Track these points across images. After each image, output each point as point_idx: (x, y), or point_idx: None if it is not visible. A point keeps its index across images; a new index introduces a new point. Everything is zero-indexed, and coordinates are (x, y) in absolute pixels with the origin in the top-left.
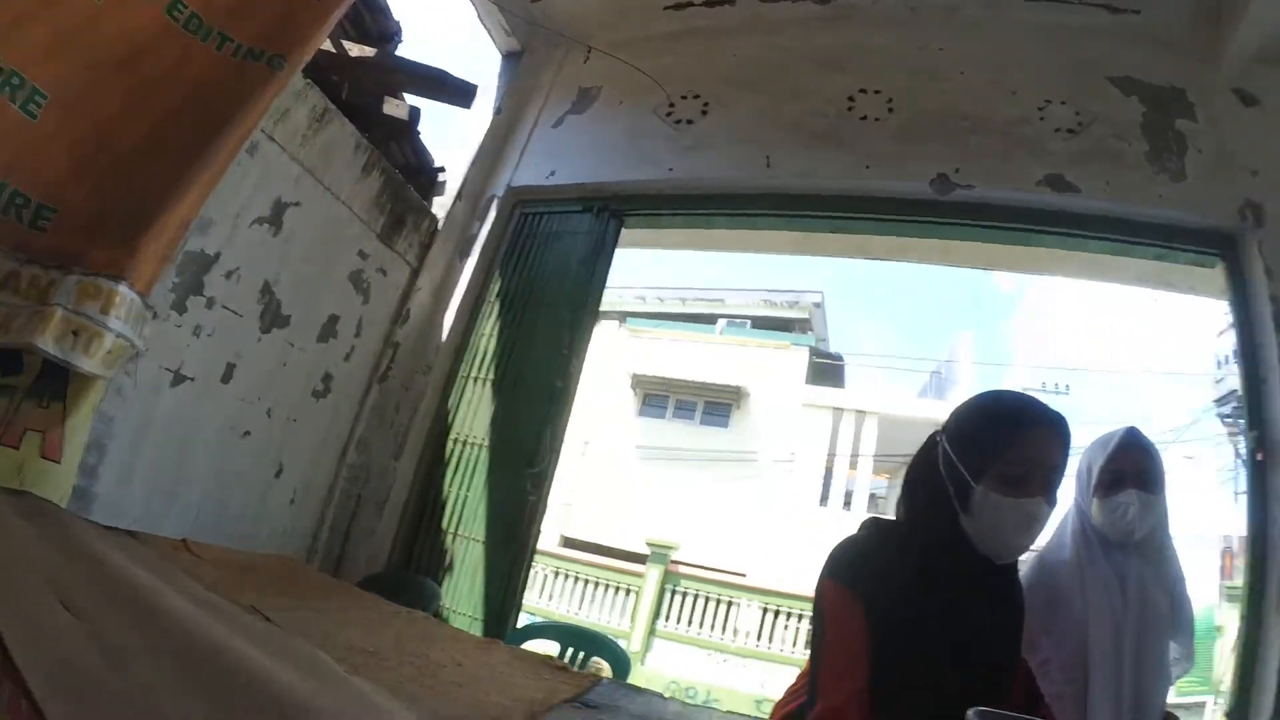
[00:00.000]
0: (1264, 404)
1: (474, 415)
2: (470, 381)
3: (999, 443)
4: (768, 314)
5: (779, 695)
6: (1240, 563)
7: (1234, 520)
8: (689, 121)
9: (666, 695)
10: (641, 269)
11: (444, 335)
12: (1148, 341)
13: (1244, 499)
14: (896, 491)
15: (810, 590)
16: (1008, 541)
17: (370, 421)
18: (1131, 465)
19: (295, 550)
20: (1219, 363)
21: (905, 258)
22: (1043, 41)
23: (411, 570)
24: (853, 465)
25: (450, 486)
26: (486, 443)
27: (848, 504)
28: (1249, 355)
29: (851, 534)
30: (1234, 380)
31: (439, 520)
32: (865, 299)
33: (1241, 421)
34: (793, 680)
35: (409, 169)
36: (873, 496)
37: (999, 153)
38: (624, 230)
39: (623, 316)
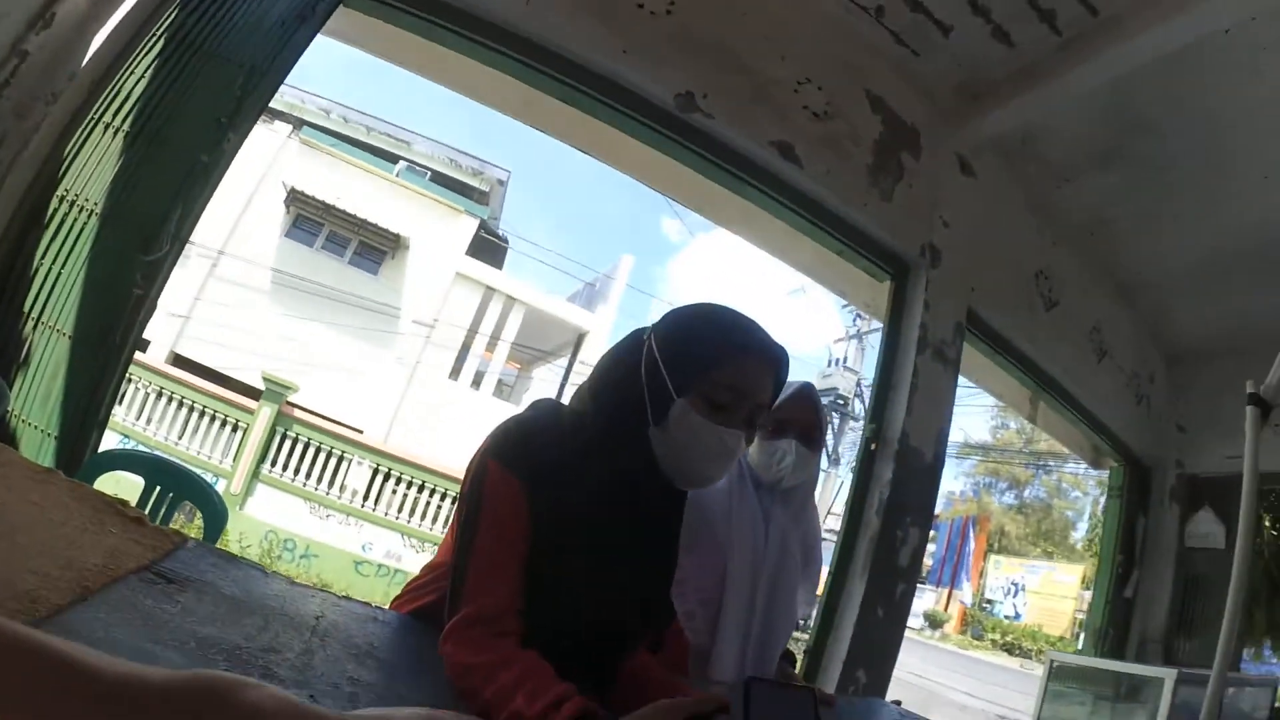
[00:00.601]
0: (887, 406)
1: (93, 172)
2: (100, 128)
3: (714, 360)
4: (450, 174)
5: (380, 559)
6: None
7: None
8: None
9: (269, 570)
10: (335, 80)
11: (86, 58)
12: (779, 324)
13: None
14: (525, 382)
15: (430, 460)
16: (696, 468)
17: None
18: (798, 417)
19: None
20: (829, 363)
21: (614, 160)
22: (830, 29)
23: None
24: (490, 348)
25: (43, 259)
26: (99, 210)
27: (477, 384)
28: (887, 362)
29: (522, 413)
30: (838, 380)
31: (20, 300)
32: (549, 195)
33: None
34: (417, 572)
35: None
36: (501, 382)
37: (748, 99)
38: (341, 8)
39: (299, 124)
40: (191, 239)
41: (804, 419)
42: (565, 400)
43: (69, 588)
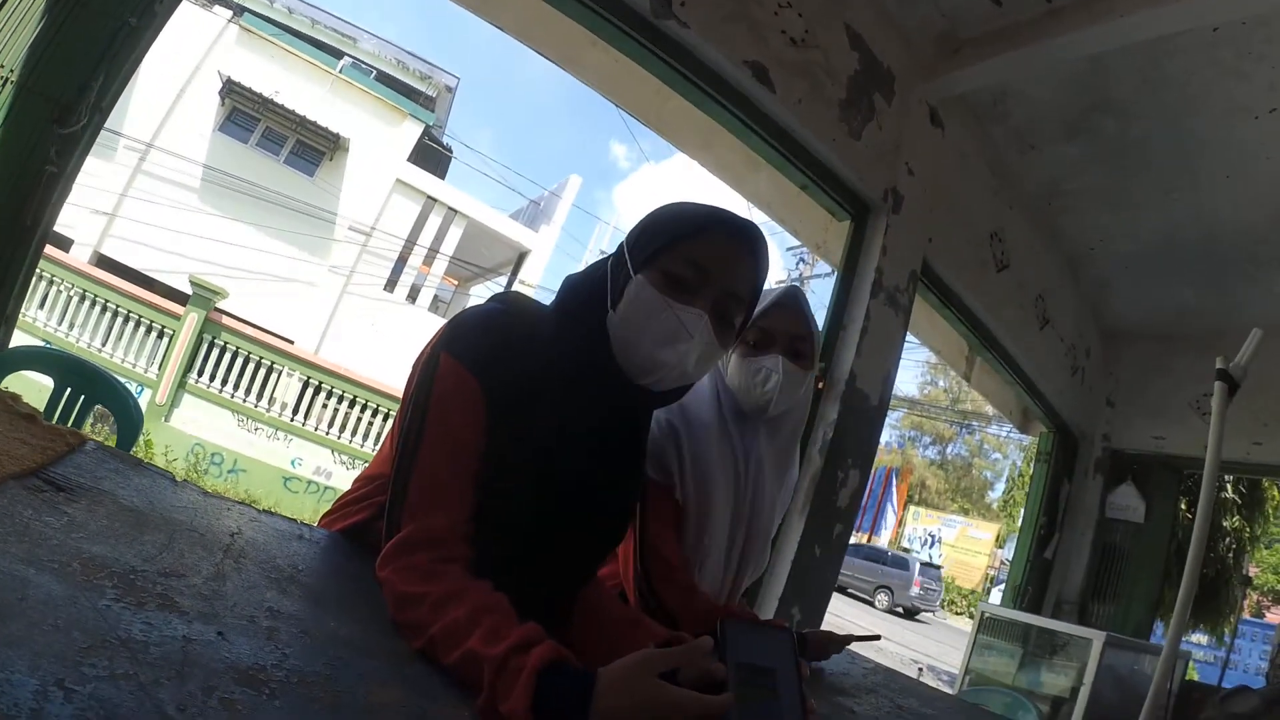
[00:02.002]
0: (835, 345)
1: (11, 34)
2: None
3: (676, 235)
4: (397, 75)
5: (310, 475)
6: None
7: None
8: None
9: (180, 478)
10: None
11: None
12: None
13: None
14: (461, 299)
15: (363, 374)
16: (646, 351)
17: None
18: (785, 328)
19: None
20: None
21: (575, 65)
22: None
23: None
24: (428, 261)
25: None
26: (14, 77)
27: (413, 298)
28: (840, 303)
29: (483, 304)
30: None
31: None
32: (498, 108)
33: None
34: (350, 483)
35: None
36: (438, 298)
37: (727, 14)
38: None
39: (240, 10)
40: (119, 129)
41: (791, 330)
42: None
43: None
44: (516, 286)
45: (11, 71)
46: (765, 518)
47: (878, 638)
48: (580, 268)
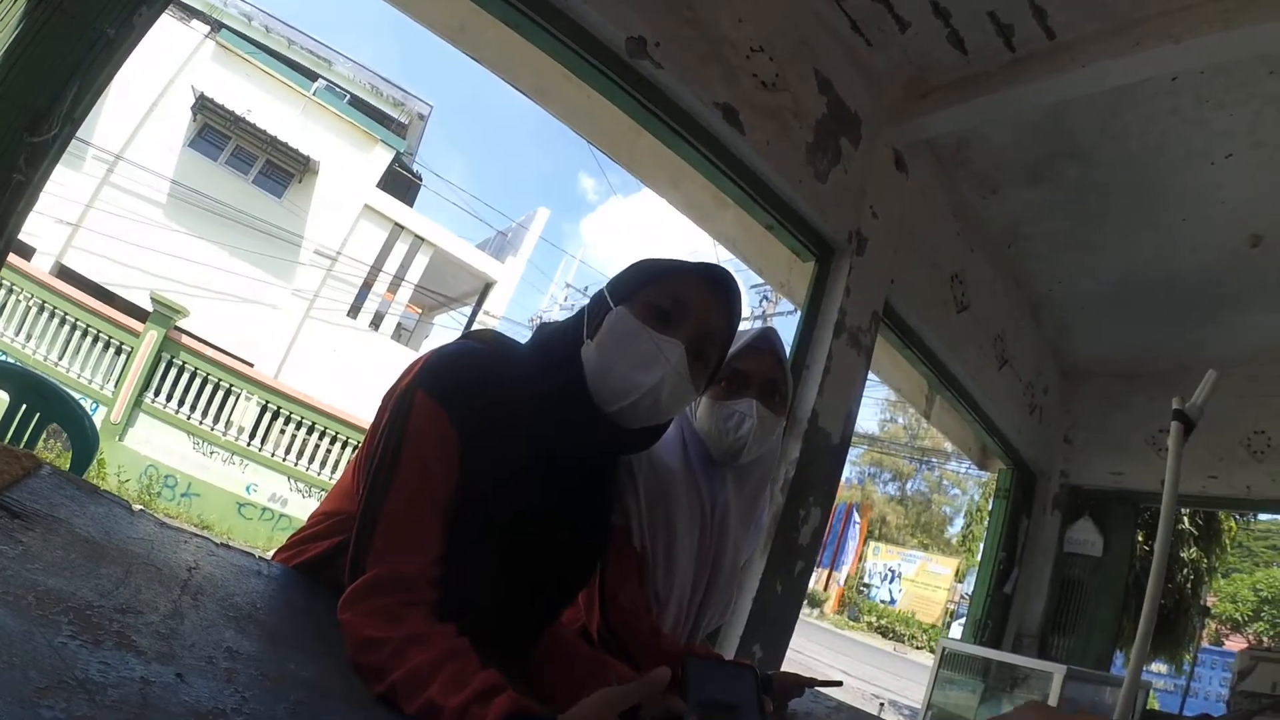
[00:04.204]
0: (799, 384)
1: None
2: None
3: (655, 274)
4: (370, 100)
5: (265, 502)
6: None
7: None
8: None
9: (132, 499)
10: None
11: None
12: None
13: None
14: (425, 328)
15: (322, 401)
16: (622, 372)
17: None
18: (760, 370)
19: None
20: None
21: (547, 99)
22: (789, 3)
23: None
24: (393, 289)
25: None
26: None
27: (376, 325)
28: (803, 342)
29: (458, 341)
30: None
31: None
32: (469, 138)
33: None
34: (306, 513)
35: None
36: (401, 326)
37: (700, 57)
38: None
39: (217, 26)
40: (88, 139)
41: (766, 371)
42: None
43: None
44: (481, 317)
45: None
46: (729, 566)
47: (839, 683)
48: (545, 298)
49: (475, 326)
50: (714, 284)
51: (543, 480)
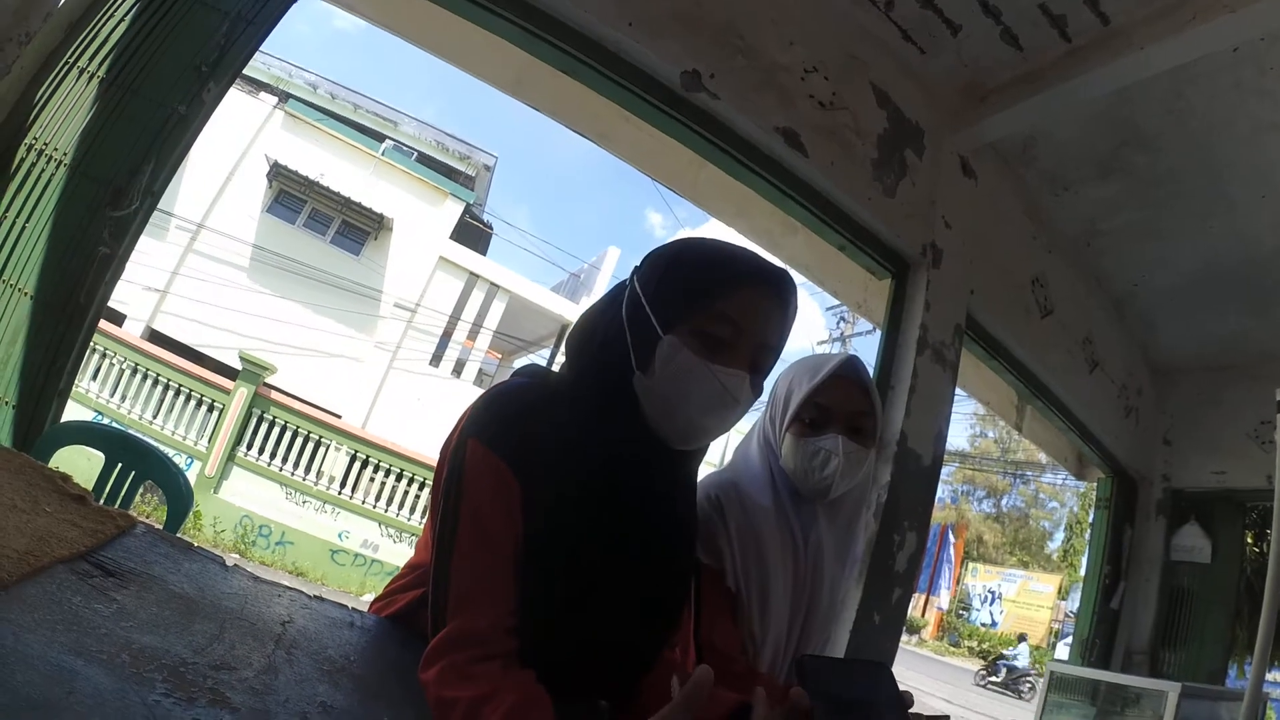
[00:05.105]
0: (885, 407)
1: (64, 120)
2: (75, 73)
3: (706, 288)
4: (437, 156)
5: (357, 548)
6: None
7: None
8: None
9: (228, 549)
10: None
11: None
12: None
13: None
14: (506, 372)
15: (409, 448)
16: (692, 419)
17: None
18: (844, 404)
19: None
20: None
21: (609, 140)
22: (837, 21)
23: None
24: (472, 336)
25: (6, 211)
26: (68, 160)
27: (458, 372)
28: (886, 363)
29: (505, 382)
30: None
31: None
32: (534, 183)
33: None
34: (394, 563)
35: None
36: (482, 371)
37: (755, 84)
38: None
39: (285, 97)
40: (170, 210)
41: (850, 404)
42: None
43: None
44: (559, 358)
45: (65, 155)
46: (826, 603)
47: (947, 718)
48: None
49: (554, 368)
50: (769, 291)
51: (611, 513)
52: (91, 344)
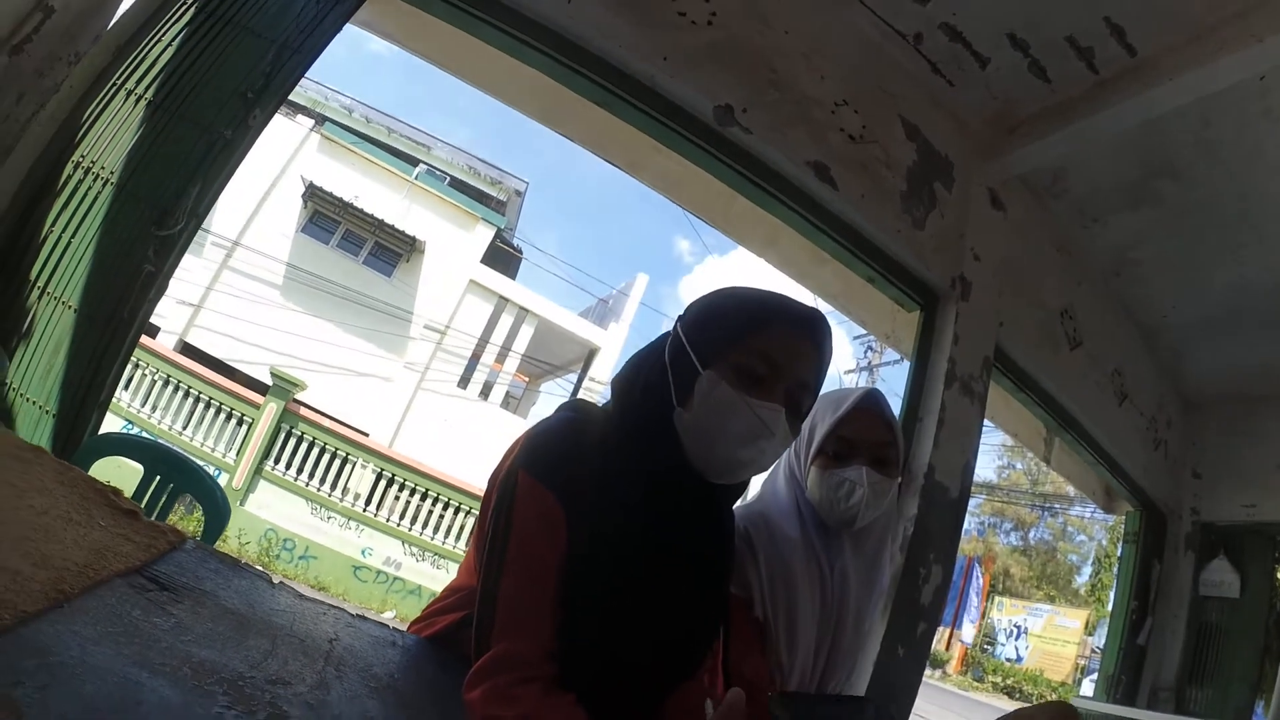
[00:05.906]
0: (912, 438)
1: (111, 140)
2: (121, 94)
3: (743, 327)
4: (469, 181)
5: (379, 565)
6: None
7: None
8: None
9: (276, 580)
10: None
11: (112, 20)
12: None
13: None
14: (533, 396)
15: (435, 468)
16: (726, 451)
17: None
18: (868, 435)
19: None
20: None
21: (640, 171)
22: (867, 54)
23: None
24: (500, 359)
25: (53, 226)
26: (115, 179)
27: (486, 394)
28: (914, 394)
29: (552, 416)
30: None
31: (27, 268)
32: (564, 209)
33: None
34: (419, 582)
35: None
36: (509, 394)
37: (786, 118)
38: None
39: (321, 119)
40: (207, 227)
41: (874, 437)
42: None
43: (42, 591)
44: (586, 384)
45: (112, 174)
46: (852, 632)
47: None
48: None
49: (581, 393)
50: (803, 331)
51: (650, 545)
52: None
